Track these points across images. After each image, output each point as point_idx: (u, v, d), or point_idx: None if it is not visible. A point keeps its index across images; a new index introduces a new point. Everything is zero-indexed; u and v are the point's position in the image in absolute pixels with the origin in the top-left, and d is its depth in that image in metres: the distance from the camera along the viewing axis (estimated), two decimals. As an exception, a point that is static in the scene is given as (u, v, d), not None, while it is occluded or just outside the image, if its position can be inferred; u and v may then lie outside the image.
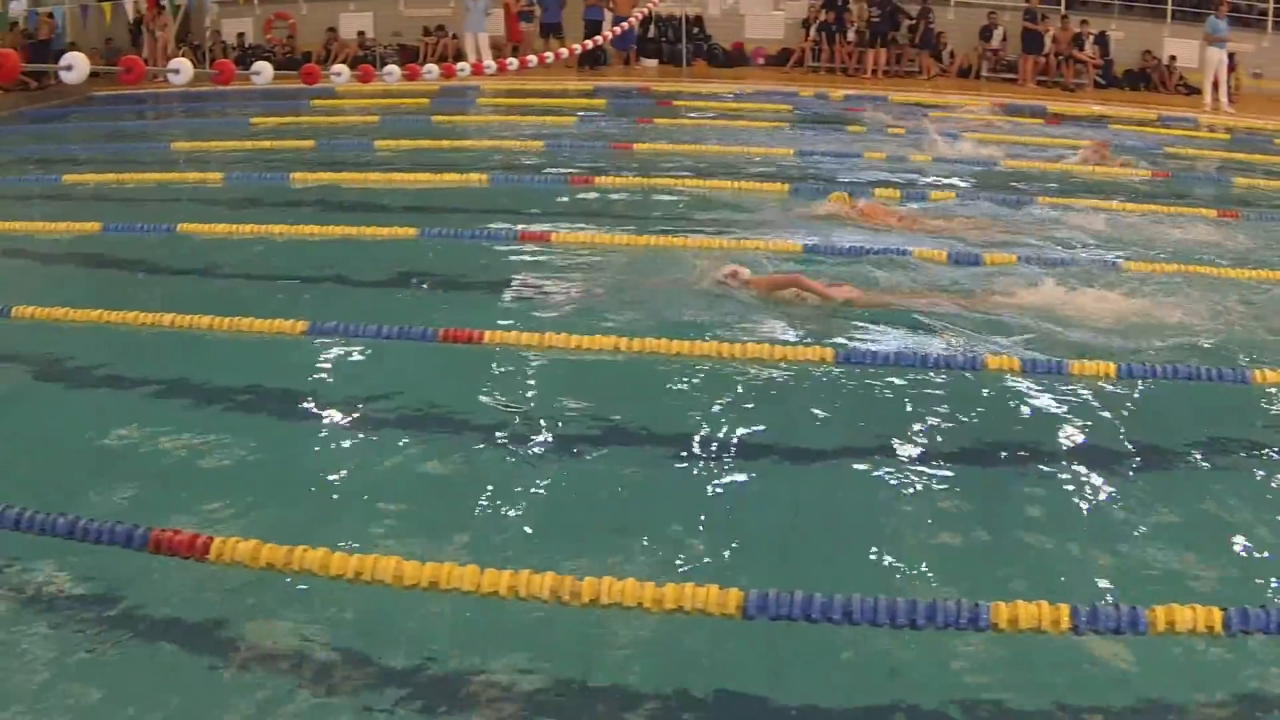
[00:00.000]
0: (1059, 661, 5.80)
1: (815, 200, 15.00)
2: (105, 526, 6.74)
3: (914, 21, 30.60)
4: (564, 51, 24.68)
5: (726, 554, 6.83)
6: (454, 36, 32.20)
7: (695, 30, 31.49)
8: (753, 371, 9.36)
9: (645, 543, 6.91)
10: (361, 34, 33.33)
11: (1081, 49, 30.61)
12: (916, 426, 8.57)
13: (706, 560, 6.71)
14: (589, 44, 26.22)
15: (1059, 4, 31.78)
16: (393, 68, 16.04)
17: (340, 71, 14.72)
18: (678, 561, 6.67)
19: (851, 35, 30.61)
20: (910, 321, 10.45)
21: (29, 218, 15.54)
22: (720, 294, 10.94)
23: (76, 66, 8.73)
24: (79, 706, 5.64)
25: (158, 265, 13.06)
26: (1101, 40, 30.97)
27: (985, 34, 31.09)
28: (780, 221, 14.06)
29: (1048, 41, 30.54)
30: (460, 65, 19.51)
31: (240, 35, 34.27)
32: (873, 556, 6.84)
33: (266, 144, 21.20)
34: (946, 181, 17.09)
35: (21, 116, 27.76)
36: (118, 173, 18.47)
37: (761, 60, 31.48)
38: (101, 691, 5.75)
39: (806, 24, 31.11)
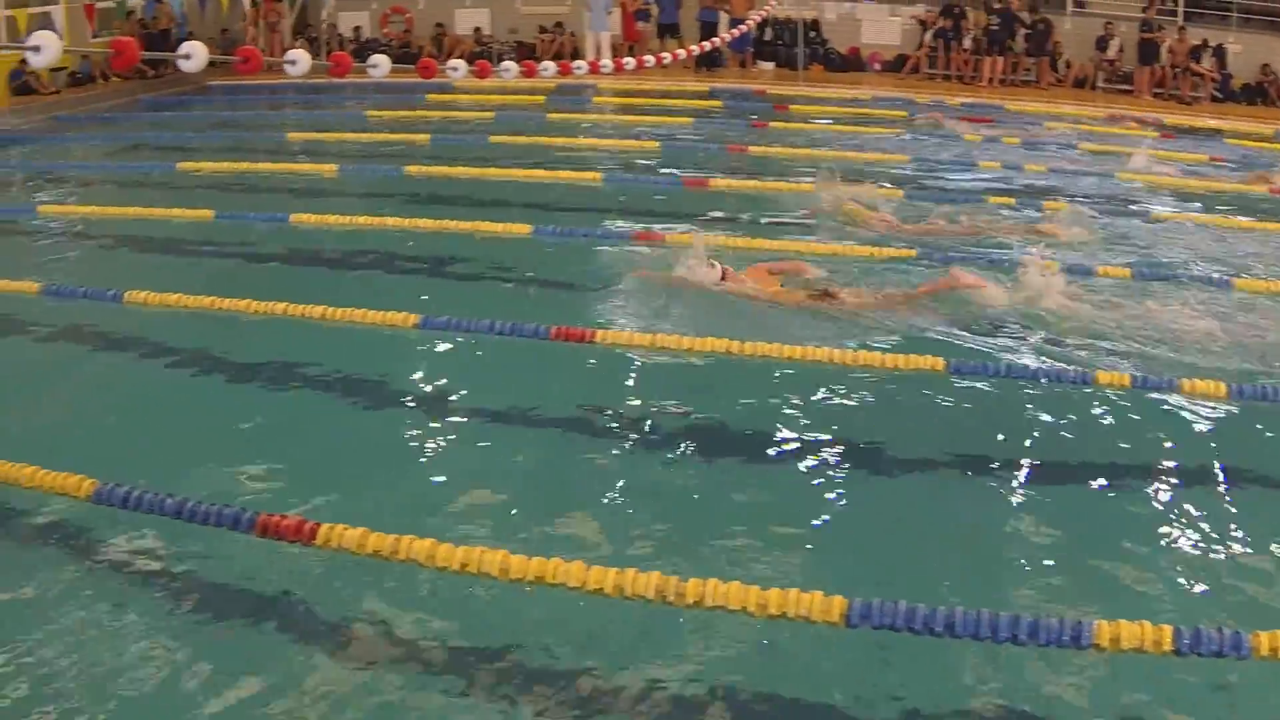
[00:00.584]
0: (1151, 682, 5.78)
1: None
2: (213, 508, 6.89)
3: (1030, 30, 30.31)
4: (681, 52, 24.71)
5: (828, 561, 6.86)
6: (571, 34, 32.34)
7: (812, 34, 31.44)
8: (863, 379, 9.35)
9: (748, 546, 6.95)
10: (478, 30, 33.55)
11: (1199, 62, 30.17)
12: (1024, 439, 8.53)
13: (807, 566, 6.75)
14: (706, 45, 26.22)
15: (1176, 15, 31.36)
16: (510, 64, 16.19)
17: (458, 67, 14.86)
18: (779, 566, 6.71)
19: (968, 43, 30.40)
20: (1016, 333, 10.38)
21: (144, 203, 15.80)
22: (838, 300, 10.90)
23: (195, 55, 8.92)
24: (174, 685, 5.76)
25: (270, 254, 13.28)
26: (1219, 53, 30.49)
27: (1101, 44, 30.72)
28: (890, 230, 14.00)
29: (1164, 53, 30.12)
30: (577, 64, 19.60)
31: (356, 29, 34.64)
32: (974, 569, 6.85)
33: (382, 137, 21.47)
34: (1061, 192, 16.89)
35: (138, 104, 28.31)
36: (232, 161, 18.81)
37: (878, 66, 31.35)
38: (197, 671, 5.88)
39: (923, 29, 30.93)
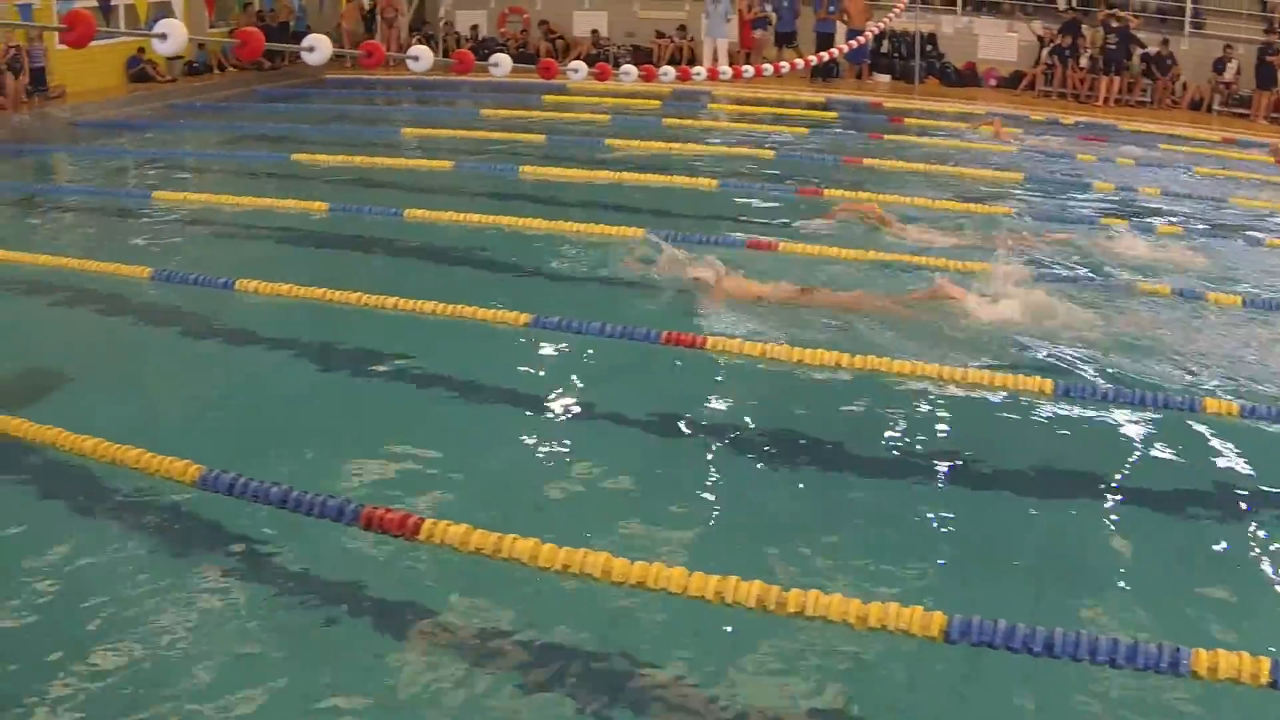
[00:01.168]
0: (1245, 714, 5.69)
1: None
2: (317, 499, 6.97)
3: (1148, 50, 29.91)
4: (799, 62, 24.66)
5: (925, 576, 6.81)
6: (689, 40, 32.35)
7: (928, 48, 31.23)
8: (970, 396, 9.27)
9: (846, 558, 6.94)
10: (595, 32, 33.65)
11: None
12: (1127, 464, 8.41)
13: (905, 580, 6.70)
14: (824, 56, 26.15)
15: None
16: (630, 68, 16.18)
17: (578, 68, 14.87)
18: (874, 578, 6.68)
19: (1085, 61, 30.04)
20: (1122, 361, 10.25)
21: (258, 193, 16.03)
22: (941, 316, 10.92)
23: (319, 48, 9.02)
24: (266, 673, 5.82)
25: (383, 248, 13.39)
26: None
27: (1219, 66, 30.19)
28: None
29: (1282, 77, 29.54)
30: (696, 70, 19.61)
31: (474, 28, 34.86)
32: (1072, 590, 6.77)
33: (497, 135, 21.58)
34: (1174, 214, 16.64)
35: (254, 95, 28.66)
36: (347, 154, 19.00)
37: (993, 81, 31.07)
38: (290, 660, 5.96)
39: (1041, 46, 30.63)
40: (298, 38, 9.40)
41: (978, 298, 11.06)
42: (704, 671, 5.85)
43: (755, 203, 15.83)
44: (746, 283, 11.56)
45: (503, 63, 12.44)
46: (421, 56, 10.71)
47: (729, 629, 6.12)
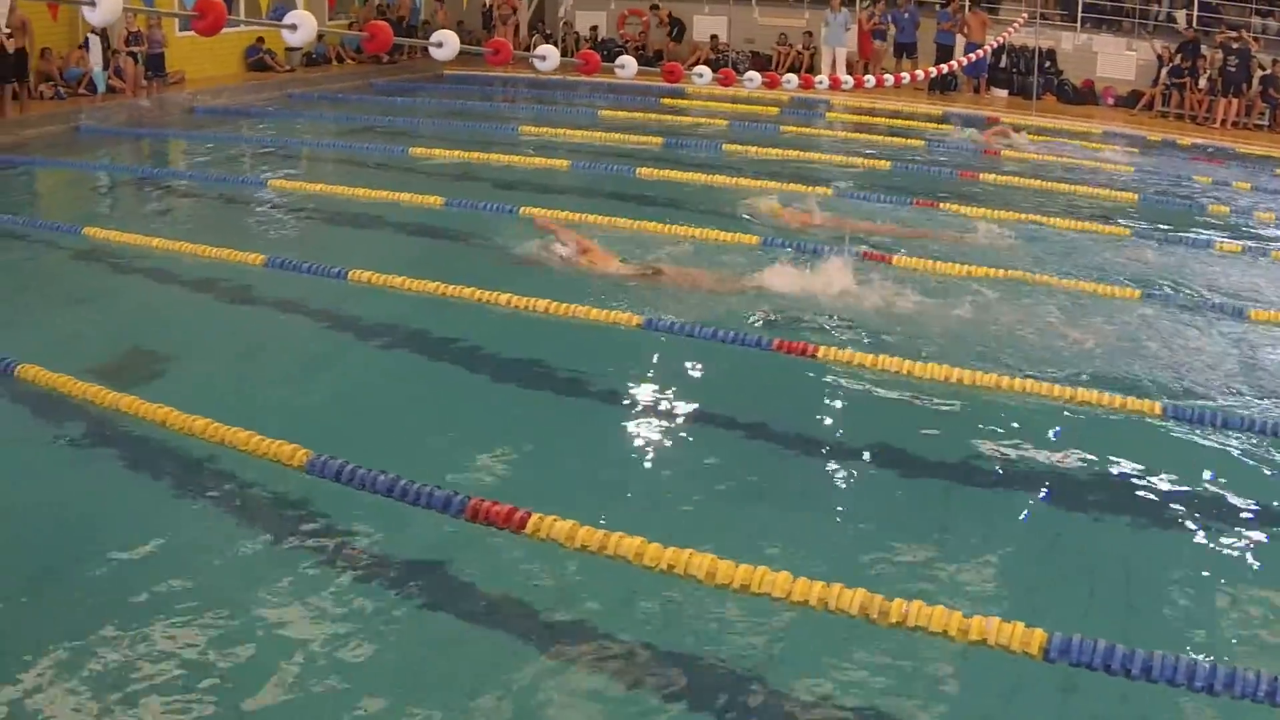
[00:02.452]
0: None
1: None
2: (424, 489, 7.07)
3: (1268, 73, 29.44)
4: (918, 74, 24.58)
5: (1027, 592, 6.81)
6: (804, 48, 32.28)
7: (1047, 64, 30.95)
8: (1079, 416, 9.21)
9: (949, 570, 6.94)
10: (714, 37, 33.69)
11: None
12: (1233, 488, 8.31)
13: (1007, 595, 6.71)
14: (943, 68, 26.04)
15: None
16: (753, 74, 16.18)
17: (703, 73, 14.91)
18: (970, 592, 6.70)
19: (1203, 83, 29.66)
20: (1223, 381, 10.17)
21: (373, 185, 16.19)
22: (1041, 332, 10.96)
23: (447, 44, 9.11)
24: (363, 659, 5.94)
25: (497, 244, 13.48)
26: None
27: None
28: (1117, 265, 13.73)
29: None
30: (819, 78, 19.59)
31: (594, 29, 35.02)
32: (1176, 616, 6.73)
33: (615, 137, 21.68)
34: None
35: (372, 88, 28.97)
36: (464, 150, 19.22)
37: (1111, 100, 30.74)
38: (388, 648, 6.06)
39: (1159, 66, 30.26)
40: (411, 32, 9.50)
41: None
42: (804, 678, 5.88)
43: (871, 214, 15.76)
44: (605, 258, 12.36)
45: (628, 65, 12.52)
46: (549, 56, 10.82)
47: (830, 636, 6.14)
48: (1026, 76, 30.43)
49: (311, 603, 6.36)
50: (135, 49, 25.28)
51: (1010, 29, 28.01)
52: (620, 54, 13.42)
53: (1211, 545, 7.51)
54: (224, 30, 7.12)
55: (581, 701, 5.68)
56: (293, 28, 7.63)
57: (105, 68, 24.80)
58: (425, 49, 9.60)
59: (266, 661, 5.84)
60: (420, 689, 5.73)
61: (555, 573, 6.67)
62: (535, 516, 6.70)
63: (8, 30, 21.73)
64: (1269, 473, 8.58)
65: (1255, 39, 29.57)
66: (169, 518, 7.37)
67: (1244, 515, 7.92)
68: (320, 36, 29.21)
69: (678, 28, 34.49)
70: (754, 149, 20.44)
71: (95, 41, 24.61)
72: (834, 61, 30.24)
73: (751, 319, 10.98)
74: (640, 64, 13.12)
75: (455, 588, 6.60)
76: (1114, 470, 8.42)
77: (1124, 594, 6.94)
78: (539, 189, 16.64)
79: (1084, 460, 8.52)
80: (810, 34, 32.41)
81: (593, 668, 5.91)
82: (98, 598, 6.39)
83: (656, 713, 5.68)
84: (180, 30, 26.66)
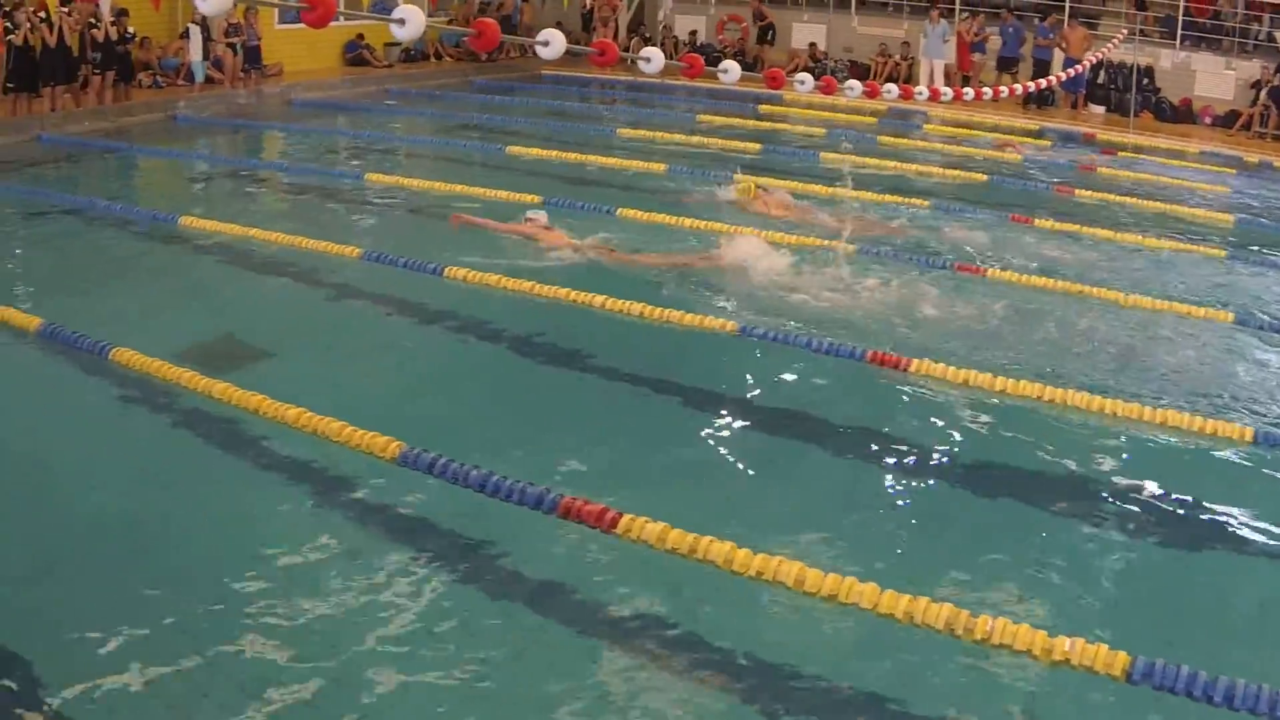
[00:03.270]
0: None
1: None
2: (517, 485, 7.13)
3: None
4: (1016, 88, 24.42)
5: (1110, 614, 6.74)
6: (902, 59, 32.12)
7: (1145, 81, 30.60)
8: (1168, 438, 9.11)
9: (1031, 589, 6.89)
10: (813, 45, 33.60)
11: None
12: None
13: (1088, 617, 6.64)
14: (1042, 83, 25.84)
15: None
16: (854, 83, 16.13)
17: (804, 80, 14.86)
18: (1053, 612, 6.63)
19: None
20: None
21: (469, 182, 16.31)
22: (1131, 351, 10.92)
23: (554, 43, 9.14)
24: (446, 653, 6.01)
25: (595, 247, 13.49)
26: None
27: None
28: (1210, 287, 13.57)
29: None
30: (919, 89, 19.49)
31: (693, 33, 35.01)
32: (1261, 645, 6.64)
33: (712, 142, 21.70)
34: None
35: (470, 85, 29.13)
36: (561, 150, 19.26)
37: (1208, 119, 30.35)
38: (471, 642, 6.11)
39: (1257, 86, 29.84)
40: (513, 31, 9.56)
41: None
42: (884, 689, 5.88)
43: (966, 227, 15.69)
44: (564, 237, 13.43)
45: (732, 70, 12.53)
46: (653, 59, 10.83)
47: (913, 648, 6.15)
48: (1124, 93, 30.11)
49: (393, 590, 6.46)
50: (234, 40, 25.55)
51: (1109, 45, 27.73)
52: (719, 59, 13.45)
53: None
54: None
55: (660, 703, 5.71)
56: (401, 22, 7.68)
57: (205, 58, 25.08)
58: (526, 47, 9.64)
59: (346, 652, 5.92)
60: (503, 687, 5.79)
61: (642, 574, 6.70)
62: (627, 517, 6.73)
63: (111, 18, 22.02)
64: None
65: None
66: (257, 506, 7.49)
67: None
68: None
69: (770, 31, 34.40)
70: (852, 158, 20.34)
71: (196, 32, 24.92)
72: (931, 73, 30.09)
73: (842, 328, 10.94)
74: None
75: (539, 584, 6.64)
76: (1202, 495, 8.32)
77: (1209, 621, 6.88)
78: (635, 190, 16.70)
79: (1172, 483, 8.43)
80: (908, 44, 32.27)
81: (674, 670, 5.95)
82: (180, 584, 6.49)
83: (731, 716, 5.73)
84: (279, 23, 26.94)
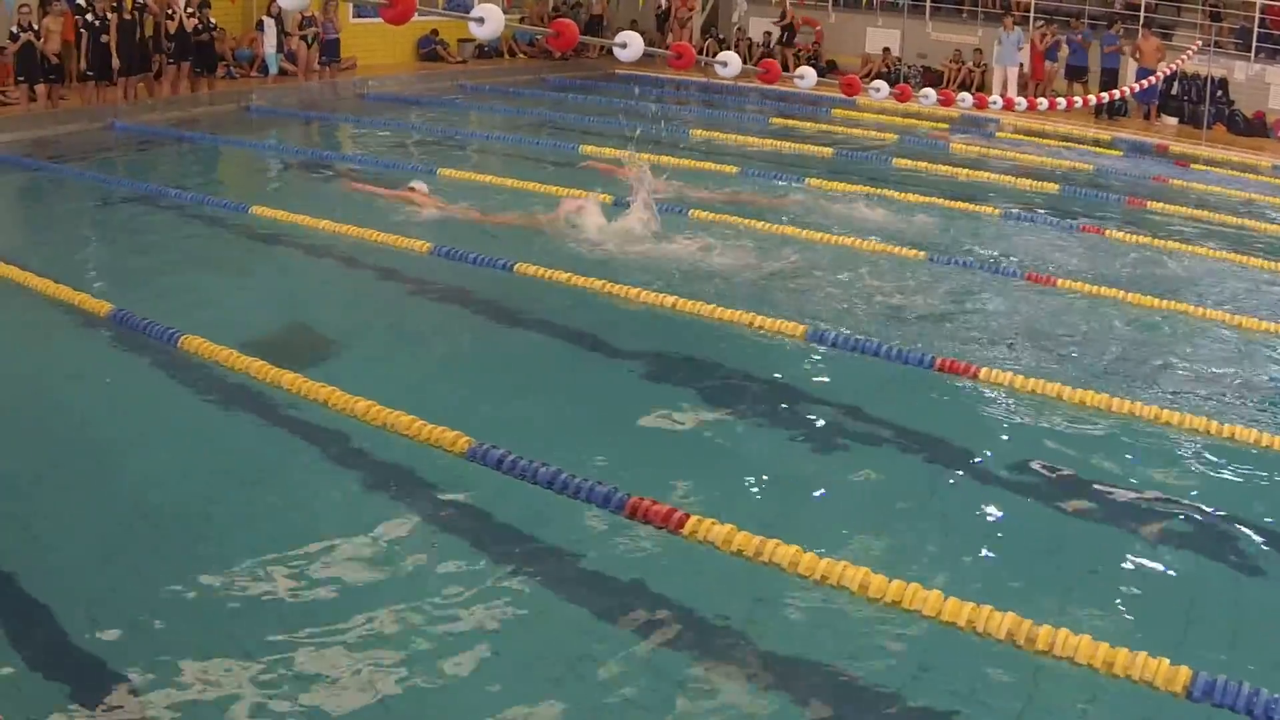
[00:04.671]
0: None
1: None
2: (584, 483, 7.16)
3: None
4: (1090, 98, 24.29)
5: (1172, 630, 6.64)
6: (975, 66, 31.96)
7: (1218, 93, 30.30)
8: (1237, 456, 9.00)
9: (1093, 601, 6.83)
10: (886, 50, 33.52)
11: None
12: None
13: (1150, 631, 6.55)
14: (1116, 94, 25.68)
15: None
16: (929, 91, 16.11)
17: (880, 87, 14.86)
18: (1123, 626, 6.58)
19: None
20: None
21: (544, 180, 16.41)
22: (1201, 365, 10.81)
23: (631, 45, 9.18)
24: (504, 648, 6.04)
25: (666, 247, 13.53)
26: None
27: None
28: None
29: None
30: (993, 98, 19.41)
31: (766, 34, 34.97)
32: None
33: (785, 145, 21.74)
34: None
35: (544, 83, 29.25)
36: (634, 150, 19.21)
37: (1281, 134, 30.03)
38: (530, 637, 6.18)
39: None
40: (588, 31, 9.59)
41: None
42: (943, 698, 5.87)
43: (1037, 236, 15.62)
44: (437, 203, 15.04)
45: (808, 75, 12.56)
46: (730, 62, 10.85)
47: (972, 656, 6.12)
48: (1197, 105, 29.86)
49: (458, 588, 6.47)
50: (307, 32, 25.73)
51: (1184, 56, 27.51)
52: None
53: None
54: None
55: (717, 705, 5.70)
56: (480, 21, 7.72)
57: (279, 51, 25.27)
58: (603, 48, 9.67)
59: (407, 646, 5.97)
60: (563, 685, 5.80)
61: (707, 575, 6.71)
62: (694, 519, 6.75)
63: (190, 10, 22.24)
64: None
65: None
66: (322, 497, 7.57)
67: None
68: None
69: (789, 33, 34.32)
70: (923, 164, 20.29)
71: (270, 24, 25.12)
72: (1005, 80, 29.95)
73: (917, 333, 10.92)
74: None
75: (602, 583, 6.66)
76: (1271, 513, 8.25)
77: (1273, 639, 6.82)
78: (710, 192, 16.67)
79: (1241, 500, 8.36)
80: (979, 51, 32.13)
81: (733, 672, 5.94)
82: (243, 573, 6.55)
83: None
84: (354, 17, 27.13)
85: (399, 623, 6.13)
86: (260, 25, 25.41)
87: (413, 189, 15.21)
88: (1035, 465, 8.65)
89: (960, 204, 16.93)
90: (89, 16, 20.49)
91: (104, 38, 20.70)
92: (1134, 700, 5.81)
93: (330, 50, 26.42)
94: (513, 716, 5.55)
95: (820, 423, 9.21)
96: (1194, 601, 7.05)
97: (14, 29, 19.92)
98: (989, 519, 7.89)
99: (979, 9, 33.44)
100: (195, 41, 22.61)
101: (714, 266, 12.72)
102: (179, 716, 5.36)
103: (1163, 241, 15.50)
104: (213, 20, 23.13)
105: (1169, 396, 9.90)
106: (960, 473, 8.46)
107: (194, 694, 5.53)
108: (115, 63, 20.93)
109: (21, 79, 20.38)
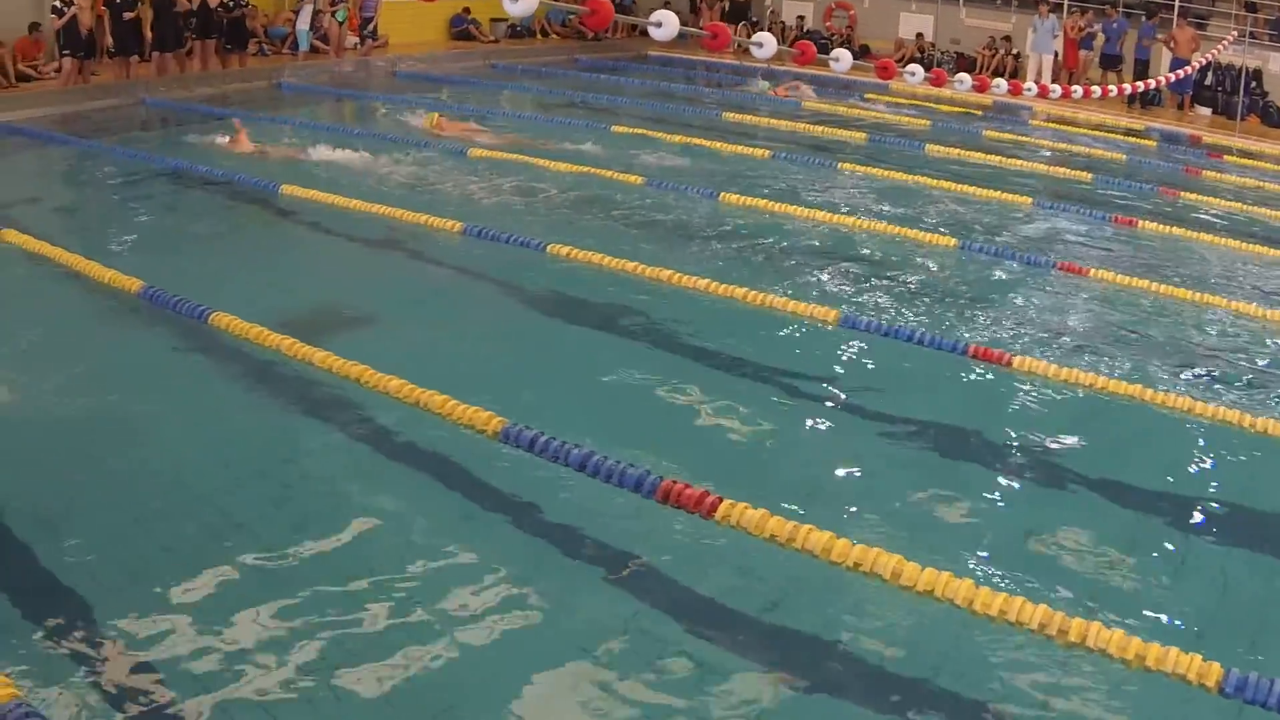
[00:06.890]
0: None
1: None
2: (617, 466, 7.13)
3: None
4: (1126, 87, 24.18)
5: (1206, 625, 6.62)
6: (1009, 53, 31.84)
7: (1253, 84, 30.12)
8: (1272, 449, 8.96)
9: (1127, 595, 6.82)
10: (920, 36, 33.41)
11: None
12: None
13: (1184, 626, 6.56)
14: (1151, 83, 25.57)
15: None
16: (964, 76, 16.06)
17: (915, 72, 14.82)
18: (1156, 620, 6.57)
19: None
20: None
21: (575, 161, 16.44)
22: (1234, 357, 10.77)
23: (667, 24, 9.14)
24: (530, 634, 6.03)
25: (698, 230, 13.63)
26: None
27: None
28: None
29: None
30: (1028, 85, 19.34)
31: (800, 19, 34.89)
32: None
33: (816, 129, 21.70)
34: None
35: (576, 63, 29.24)
36: (666, 132, 19.26)
37: (1315, 127, 29.81)
38: (559, 627, 6.13)
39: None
40: (623, 11, 9.56)
41: None
42: (973, 687, 5.86)
43: (1069, 225, 15.56)
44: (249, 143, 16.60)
45: (843, 58, 12.51)
46: (765, 44, 10.83)
47: (1004, 646, 6.11)
48: (1231, 96, 29.66)
49: (488, 568, 6.49)
50: (339, 5, 25.74)
51: (1218, 47, 27.36)
52: (826, 46, 13.42)
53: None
54: (434, -2, 7.20)
55: (745, 689, 5.70)
56: (514, -1, 7.71)
57: (311, 29, 25.29)
58: (636, 27, 9.63)
59: (439, 624, 5.98)
60: (594, 667, 5.79)
61: (738, 561, 6.70)
62: (726, 503, 6.73)
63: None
64: None
65: None
66: (354, 476, 7.55)
67: None
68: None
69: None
70: (956, 150, 20.22)
71: (307, 3, 25.15)
72: (1039, 68, 29.81)
73: (949, 323, 10.89)
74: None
75: (633, 566, 6.65)
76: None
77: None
78: (738, 175, 16.69)
79: (1276, 495, 8.34)
80: (1009, 39, 31.99)
81: (762, 657, 5.95)
82: (273, 551, 6.56)
83: (818, 707, 5.71)
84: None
85: (425, 602, 6.13)
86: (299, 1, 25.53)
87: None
88: (1068, 456, 8.63)
89: (991, 191, 16.84)
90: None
91: (127, 15, 20.77)
92: (1166, 695, 5.77)
93: (366, 28, 26.47)
94: (539, 696, 5.57)
95: (852, 408, 9.16)
96: (1230, 597, 7.02)
97: (58, 3, 19.92)
98: (1020, 509, 7.87)
99: (1014, -6, 33.30)
100: (227, 18, 22.64)
101: (752, 253, 12.72)
102: (204, 695, 5.37)
103: (1197, 233, 15.42)
104: (244, -2, 23.20)
105: (1200, 388, 9.87)
106: (990, 462, 8.43)
107: (218, 669, 5.54)
108: (148, 36, 21.04)
109: (66, 52, 20.33)
